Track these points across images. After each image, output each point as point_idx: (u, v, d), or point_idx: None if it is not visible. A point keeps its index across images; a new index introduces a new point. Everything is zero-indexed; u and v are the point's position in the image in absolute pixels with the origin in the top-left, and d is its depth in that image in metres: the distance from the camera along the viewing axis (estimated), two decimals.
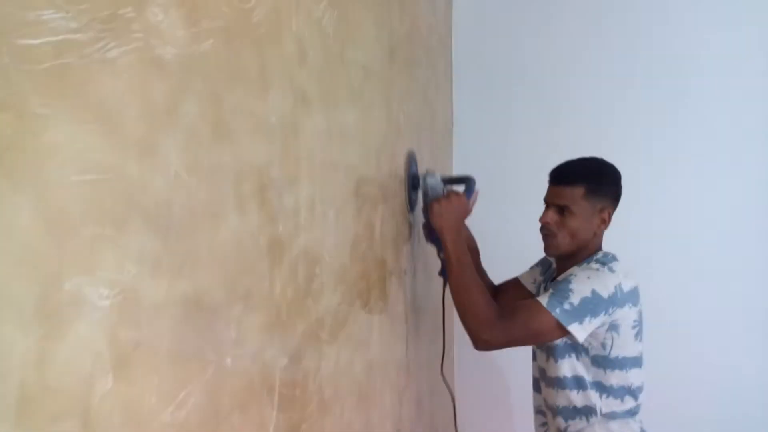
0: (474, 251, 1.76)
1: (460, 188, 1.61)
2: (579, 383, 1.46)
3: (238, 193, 0.66)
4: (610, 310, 1.37)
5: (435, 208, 1.48)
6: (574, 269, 1.46)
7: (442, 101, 2.27)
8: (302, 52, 0.85)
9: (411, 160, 1.62)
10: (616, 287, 1.38)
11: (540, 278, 1.71)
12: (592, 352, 1.44)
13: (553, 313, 1.33)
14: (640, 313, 1.45)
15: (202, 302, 0.59)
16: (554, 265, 1.63)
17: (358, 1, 1.12)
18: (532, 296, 1.71)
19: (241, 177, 0.67)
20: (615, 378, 1.44)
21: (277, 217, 0.77)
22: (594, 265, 1.43)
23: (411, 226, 1.65)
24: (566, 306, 1.33)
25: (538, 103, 2.51)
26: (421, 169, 1.70)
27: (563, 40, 2.48)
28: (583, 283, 1.37)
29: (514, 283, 1.78)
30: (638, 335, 1.45)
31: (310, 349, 0.90)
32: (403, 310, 1.55)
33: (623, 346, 1.42)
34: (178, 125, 0.55)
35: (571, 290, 1.36)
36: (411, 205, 1.61)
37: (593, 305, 1.35)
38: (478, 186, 1.63)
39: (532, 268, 1.77)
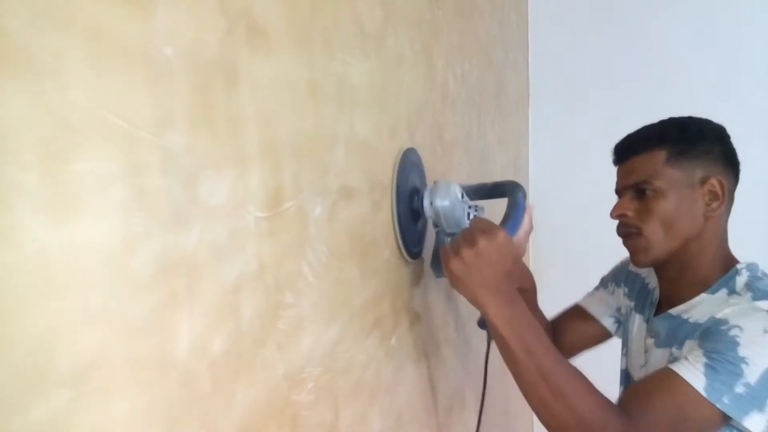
0: (529, 291, 1.20)
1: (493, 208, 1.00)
2: None
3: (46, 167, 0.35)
4: None
5: (454, 268, 0.83)
6: (704, 299, 0.95)
7: (513, 65, 1.88)
8: None
9: (406, 166, 0.89)
10: None
11: (628, 304, 1.16)
12: None
13: (718, 406, 0.81)
14: None
15: None
16: (649, 282, 1.12)
17: None
18: (606, 333, 1.20)
19: (51, 140, 0.35)
20: None
21: (185, 218, 0.45)
22: (763, 304, 0.88)
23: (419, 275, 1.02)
24: (738, 389, 0.81)
25: (638, 66, 2.07)
26: (432, 174, 1.01)
27: None
28: (760, 345, 0.83)
29: (578, 314, 1.24)
30: None
31: (273, 422, 0.58)
32: (450, 334, 1.20)
33: None
34: None
35: (743, 361, 0.82)
36: (411, 248, 0.92)
37: None
38: (531, 198, 1.07)
39: (604, 287, 1.23)
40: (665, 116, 1.03)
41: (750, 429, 0.82)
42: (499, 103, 1.68)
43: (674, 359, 0.93)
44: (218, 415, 0.49)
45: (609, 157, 1.09)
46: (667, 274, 1.03)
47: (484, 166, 1.48)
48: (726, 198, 0.97)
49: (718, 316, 0.89)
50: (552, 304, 1.50)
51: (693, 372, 0.83)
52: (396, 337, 0.90)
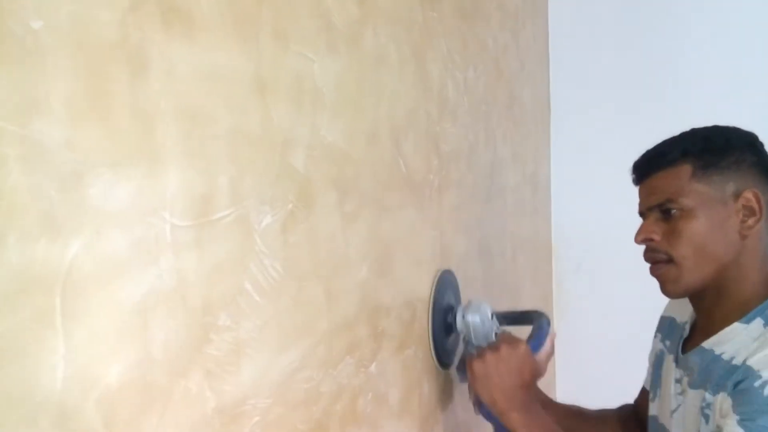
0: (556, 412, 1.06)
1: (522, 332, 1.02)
2: None
3: None
4: None
5: (476, 369, 0.89)
6: (737, 329, 0.84)
7: (531, 78, 1.80)
8: None
9: (443, 285, 1.02)
10: None
11: (661, 348, 1.03)
12: None
13: None
14: None
15: None
16: (678, 318, 0.99)
17: None
18: None
19: None
20: None
21: (62, 224, 0.38)
22: None
23: (447, 383, 1.08)
24: None
25: (667, 81, 1.96)
26: (464, 296, 1.10)
27: None
28: None
29: (641, 394, 1.10)
30: None
31: None
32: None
33: None
34: None
35: None
36: (442, 358, 1.02)
37: None
38: (554, 332, 1.03)
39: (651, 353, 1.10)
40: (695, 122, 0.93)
41: None
42: (512, 116, 1.59)
43: (707, 407, 0.82)
44: None
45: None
46: (703, 305, 0.90)
47: (494, 180, 1.39)
48: (764, 212, 0.85)
49: (750, 362, 0.77)
50: (575, 330, 1.40)
51: None
52: (377, 363, 0.81)
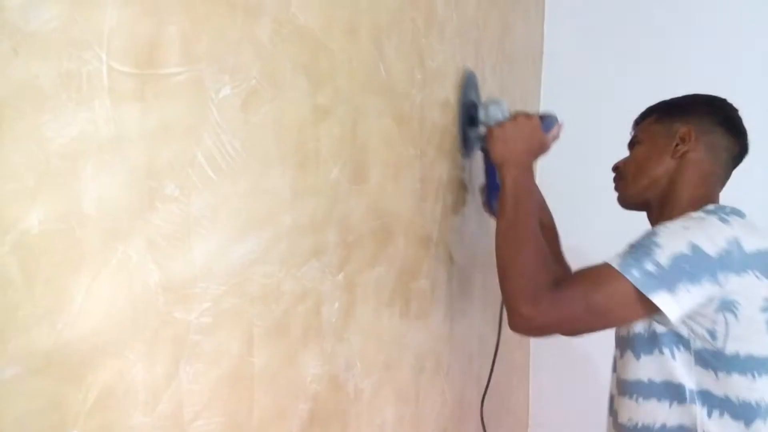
0: (548, 228, 1.32)
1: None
2: (673, 392, 0.97)
3: None
4: (720, 276, 0.89)
5: (495, 132, 1.10)
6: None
7: (524, 14, 1.73)
8: None
9: (468, 84, 1.20)
10: (730, 242, 0.90)
11: None
12: (696, 345, 0.94)
13: (627, 277, 0.89)
14: None
15: None
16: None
17: None
18: None
19: None
20: (734, 386, 0.93)
21: None
22: (695, 214, 0.98)
23: (464, 184, 1.27)
24: (648, 266, 0.89)
25: (666, 33, 1.90)
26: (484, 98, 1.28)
27: None
28: (675, 234, 0.92)
29: None
30: None
31: (138, 338, 0.45)
32: (425, 288, 1.07)
33: (747, 338, 0.92)
34: None
35: (656, 244, 0.91)
36: (467, 144, 1.21)
37: (692, 266, 0.88)
38: (562, 122, 1.18)
39: None
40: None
41: (662, 308, 0.87)
42: (503, 48, 1.52)
43: None
44: (38, 317, 0.37)
45: (626, 124, 1.20)
46: (652, 219, 1.11)
47: None
48: (699, 144, 1.05)
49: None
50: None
51: (615, 257, 0.93)
52: (345, 274, 0.77)
